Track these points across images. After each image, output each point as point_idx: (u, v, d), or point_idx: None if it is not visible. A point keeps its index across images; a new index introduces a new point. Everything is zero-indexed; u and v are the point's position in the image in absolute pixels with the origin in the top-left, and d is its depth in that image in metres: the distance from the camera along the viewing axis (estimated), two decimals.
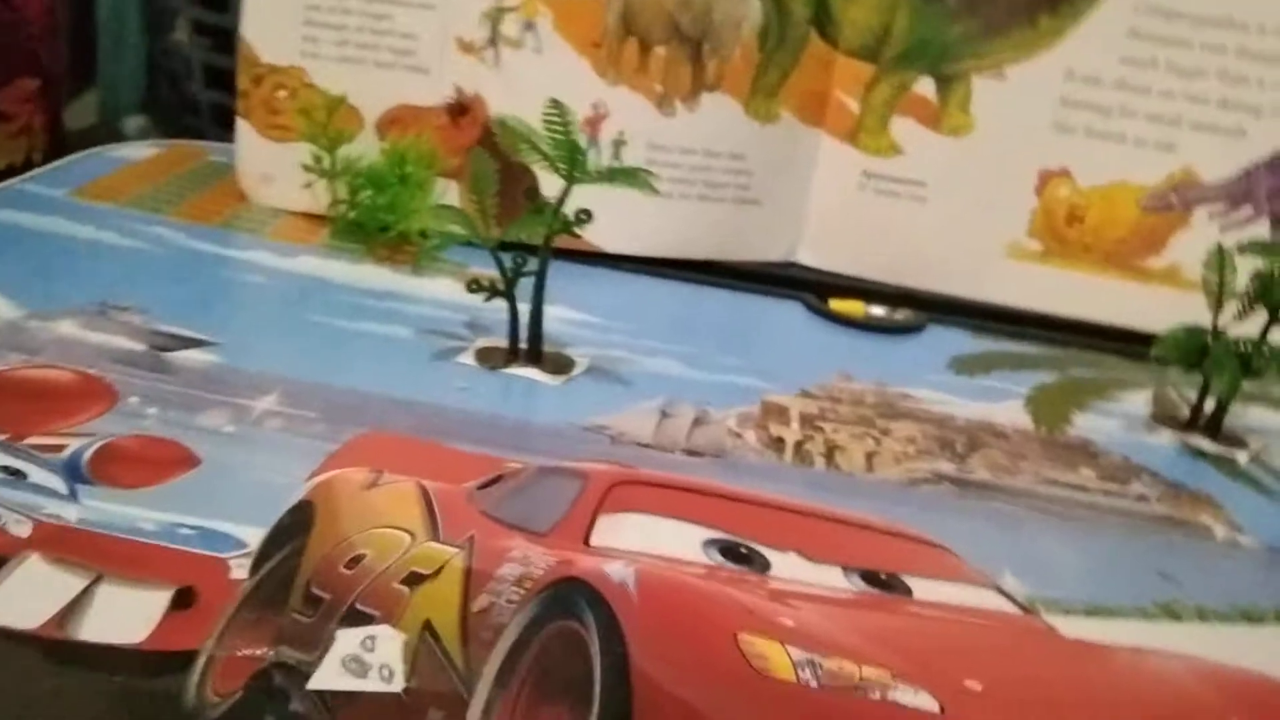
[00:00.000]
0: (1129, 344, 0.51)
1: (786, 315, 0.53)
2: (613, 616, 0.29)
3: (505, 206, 0.42)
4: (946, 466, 0.40)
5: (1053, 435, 0.44)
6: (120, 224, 0.49)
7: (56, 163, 0.56)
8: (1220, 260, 0.43)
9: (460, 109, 0.52)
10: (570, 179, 0.39)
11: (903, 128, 0.55)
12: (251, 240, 0.50)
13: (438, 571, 0.30)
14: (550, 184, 0.41)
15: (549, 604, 0.29)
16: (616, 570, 0.31)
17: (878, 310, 0.54)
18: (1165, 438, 0.45)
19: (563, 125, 0.38)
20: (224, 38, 0.79)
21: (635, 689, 0.27)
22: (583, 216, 0.40)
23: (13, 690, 0.24)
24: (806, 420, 0.42)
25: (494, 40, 0.52)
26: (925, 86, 0.54)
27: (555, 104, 0.39)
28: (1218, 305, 0.43)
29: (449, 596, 0.29)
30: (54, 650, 0.25)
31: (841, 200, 0.56)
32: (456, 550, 0.31)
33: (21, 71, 1.04)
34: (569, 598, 0.29)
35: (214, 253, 0.49)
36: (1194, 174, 0.54)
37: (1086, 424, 0.45)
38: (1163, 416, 0.46)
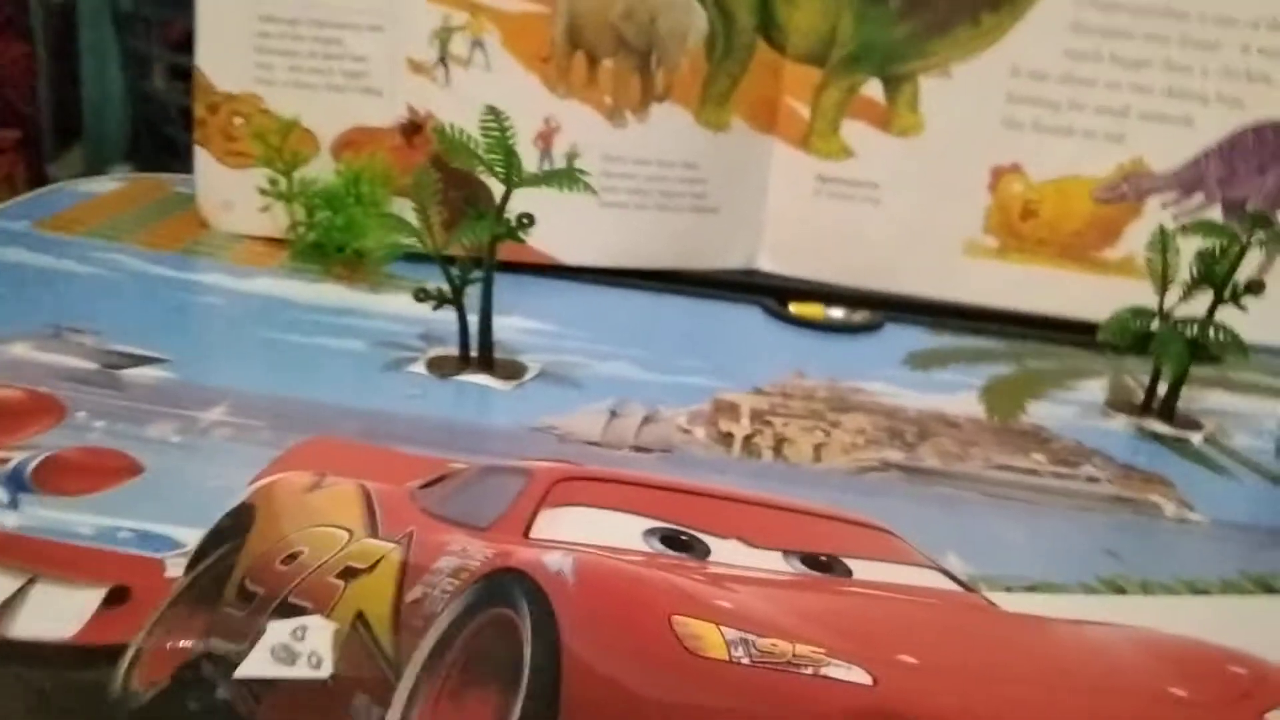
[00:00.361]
0: (1087, 335, 0.51)
1: (745, 319, 0.53)
2: (547, 603, 0.29)
3: (454, 218, 0.43)
4: (895, 455, 0.40)
5: (1005, 424, 0.44)
6: (80, 253, 0.50)
7: (20, 198, 0.57)
8: (1163, 241, 0.43)
9: (413, 128, 0.53)
10: (508, 183, 0.39)
11: (854, 130, 0.56)
12: (211, 264, 0.51)
13: (373, 566, 0.30)
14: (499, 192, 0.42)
15: (483, 593, 0.29)
16: (554, 560, 0.31)
17: (836, 313, 0.54)
18: (1120, 423, 0.45)
19: (499, 131, 0.39)
20: None
21: (565, 670, 0.27)
22: (525, 220, 0.40)
23: None
24: (757, 416, 0.42)
25: (444, 59, 0.52)
26: (874, 89, 0.55)
27: (492, 111, 0.39)
28: (1163, 287, 0.43)
29: (383, 589, 0.29)
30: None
31: (797, 205, 0.56)
32: (394, 545, 0.31)
33: (1, 123, 1.05)
34: (504, 587, 0.30)
35: (172, 277, 0.49)
36: (1144, 164, 0.54)
37: (1040, 412, 0.45)
38: (1118, 403, 0.47)
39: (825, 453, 0.40)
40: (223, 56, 0.53)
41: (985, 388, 0.47)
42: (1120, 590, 0.33)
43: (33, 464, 0.33)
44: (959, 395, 0.46)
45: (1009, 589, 0.33)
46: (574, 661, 0.27)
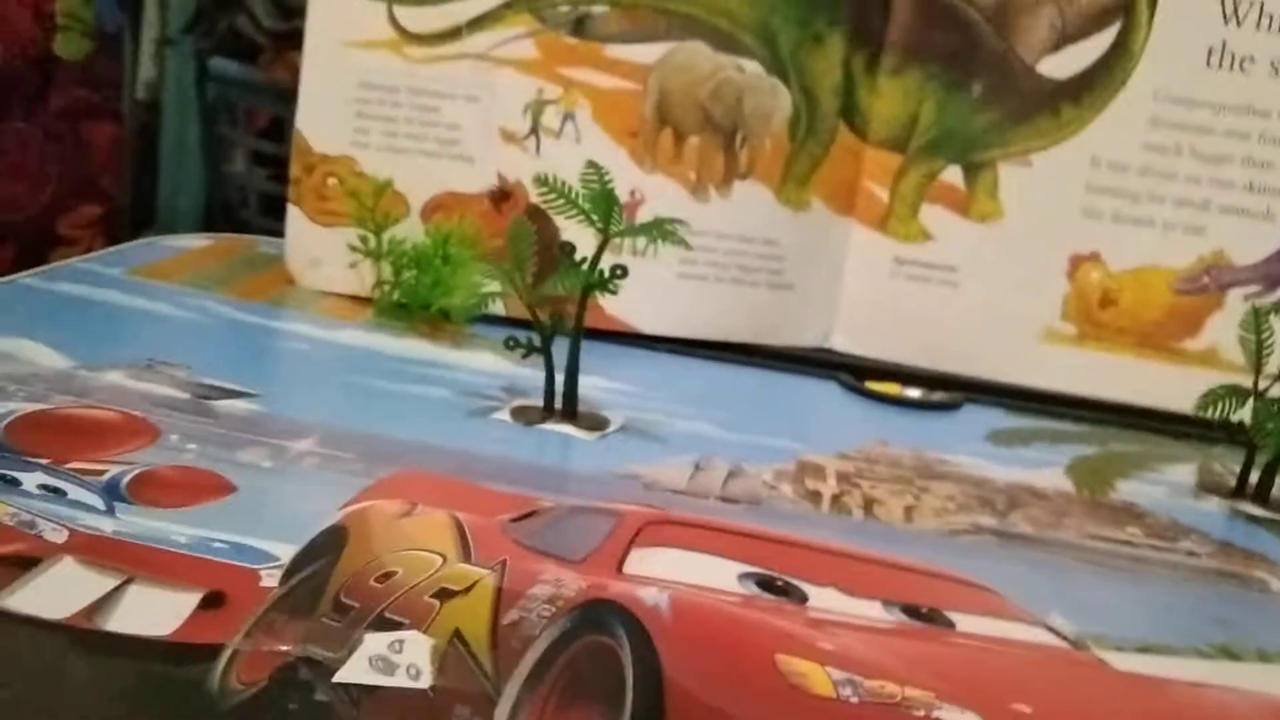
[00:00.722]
0: (1170, 424, 0.51)
1: (822, 392, 0.53)
2: (645, 633, 0.28)
3: (542, 272, 0.43)
4: (987, 520, 0.39)
5: (1096, 499, 0.43)
6: (171, 298, 0.51)
7: (112, 248, 0.58)
8: (1256, 320, 0.43)
9: (502, 195, 0.54)
10: (605, 232, 0.40)
11: (932, 214, 0.56)
12: (297, 315, 0.52)
13: (469, 588, 0.30)
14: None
15: (581, 620, 0.29)
16: (650, 594, 0.30)
17: (914, 392, 0.54)
18: (1213, 504, 0.44)
19: (599, 181, 0.39)
20: (281, 167, 0.84)
21: (668, 697, 0.26)
22: (618, 272, 0.41)
23: (46, 675, 0.24)
24: (843, 477, 0.42)
25: (535, 130, 0.54)
26: (953, 174, 0.56)
27: (592, 164, 0.40)
28: (1257, 366, 0.43)
29: (479, 610, 0.29)
30: (83, 639, 0.25)
31: (873, 286, 0.57)
32: (488, 571, 0.31)
33: (85, 198, 1.09)
34: (601, 615, 0.29)
35: (260, 324, 0.50)
36: (1225, 256, 0.54)
37: (1130, 490, 0.44)
38: (1209, 486, 0.45)
39: (916, 515, 0.39)
40: (322, 119, 0.55)
41: (1071, 465, 0.46)
42: (1235, 657, 0.32)
43: (128, 477, 0.33)
44: (1045, 470, 0.45)
45: (1119, 649, 0.31)
46: (676, 689, 0.26)
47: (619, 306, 0.54)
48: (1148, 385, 0.54)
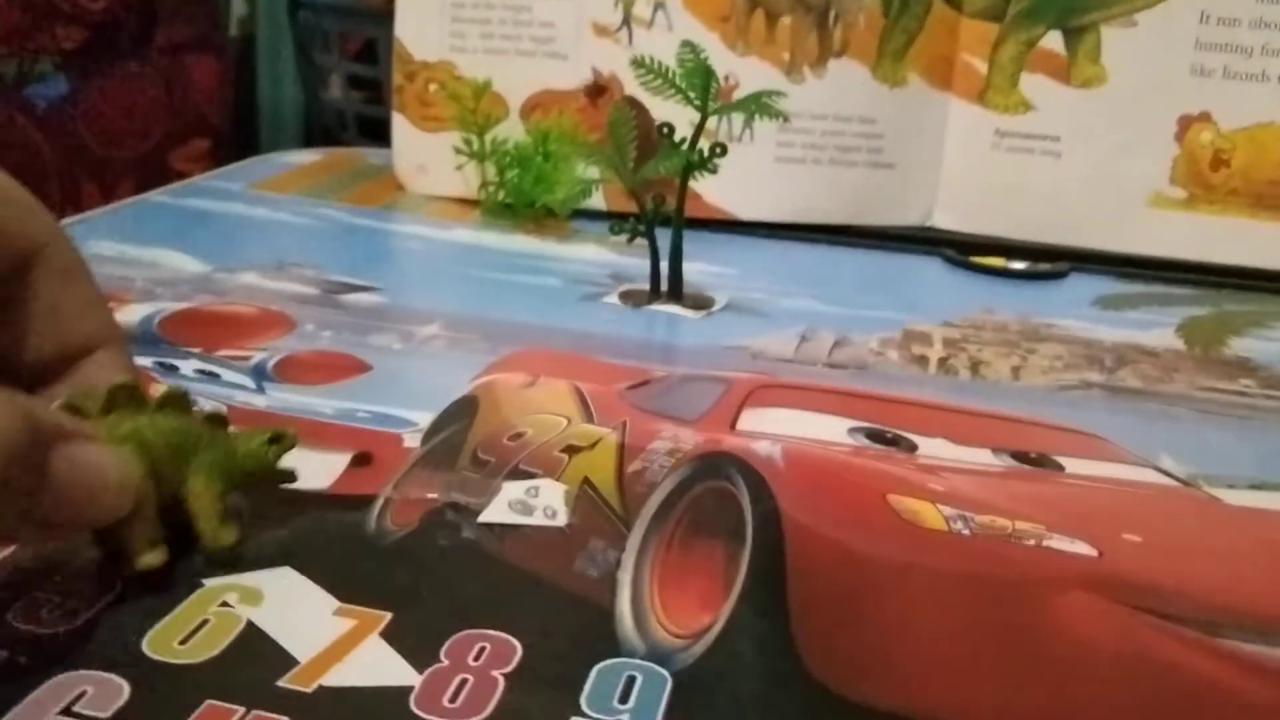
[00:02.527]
0: None
1: (925, 267, 0.53)
2: (761, 480, 0.30)
3: (641, 163, 0.44)
4: (1095, 376, 0.40)
5: (1207, 354, 0.43)
6: (290, 207, 0.54)
7: (230, 166, 0.61)
8: None
9: (598, 90, 0.55)
10: (704, 109, 0.41)
11: (1033, 84, 0.55)
12: (410, 218, 0.54)
13: (594, 445, 0.32)
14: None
15: (700, 469, 0.30)
16: (763, 446, 0.32)
17: (1019, 264, 0.54)
18: None
19: (695, 58, 0.40)
20: (376, 90, 0.85)
21: (786, 530, 0.27)
22: (718, 151, 0.42)
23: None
24: (949, 343, 0.42)
25: (627, 21, 0.54)
26: (1053, 40, 0.54)
27: (688, 43, 0.41)
28: None
29: (605, 462, 0.31)
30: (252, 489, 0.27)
31: (975, 160, 0.56)
32: (610, 430, 0.32)
33: (194, 133, 1.13)
34: (719, 464, 0.31)
35: (377, 227, 0.53)
36: None
37: (1243, 345, 0.44)
38: None
39: (1023, 373, 0.40)
40: (420, 27, 0.56)
41: (1182, 325, 0.46)
42: None
43: (273, 360, 0.36)
44: (1154, 331, 0.45)
45: (1231, 486, 0.32)
46: (794, 525, 0.28)
47: (717, 194, 0.55)
48: (1263, 246, 0.53)
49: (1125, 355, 0.42)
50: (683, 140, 0.42)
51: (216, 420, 0.25)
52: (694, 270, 0.46)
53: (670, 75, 0.40)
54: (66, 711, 0.20)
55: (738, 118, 0.54)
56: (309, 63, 0.93)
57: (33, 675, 0.21)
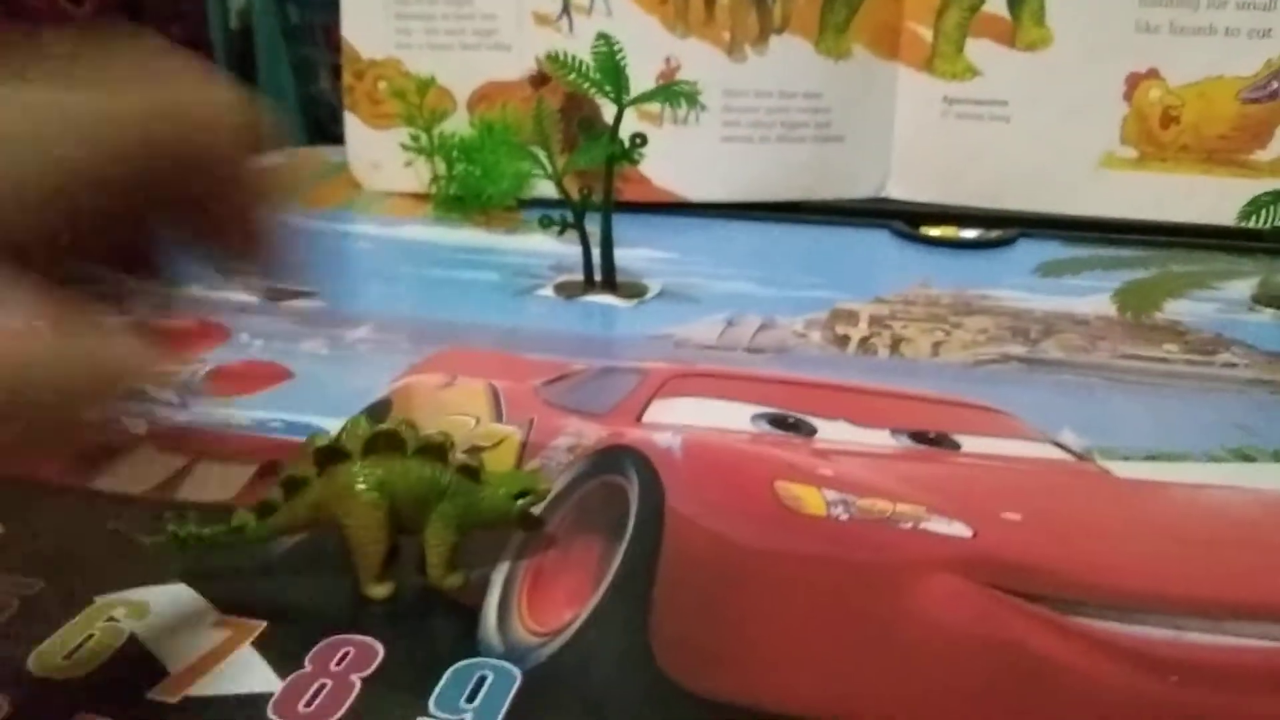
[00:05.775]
0: (1237, 240, 0.49)
1: (872, 241, 0.53)
2: (654, 472, 0.30)
3: (574, 149, 0.45)
4: (1016, 349, 0.40)
5: (1139, 320, 0.43)
6: None
7: None
8: None
9: (542, 79, 0.56)
10: (618, 102, 0.41)
11: (978, 49, 0.55)
12: (362, 217, 0.55)
13: (498, 444, 0.32)
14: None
15: (596, 463, 0.31)
16: (663, 437, 0.32)
17: (970, 233, 0.54)
18: (1267, 315, 0.43)
19: (608, 52, 0.40)
20: None
21: (668, 524, 0.28)
22: (638, 140, 0.42)
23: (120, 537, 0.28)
24: (876, 320, 0.43)
25: (567, 10, 0.55)
26: (997, 4, 0.54)
27: (602, 36, 0.41)
28: None
29: (505, 460, 0.31)
30: (160, 508, 0.29)
31: (925, 129, 0.56)
32: (515, 428, 0.33)
33: None
34: (615, 459, 0.31)
35: (329, 229, 0.54)
36: None
37: (1178, 309, 0.44)
38: (1265, 297, 0.44)
39: (943, 350, 0.40)
40: (366, 26, 0.57)
41: (1119, 289, 0.46)
42: (1249, 459, 0.32)
43: (200, 373, 0.37)
44: (1091, 298, 0.45)
45: (1126, 458, 0.32)
46: (677, 518, 0.28)
47: (666, 177, 0.55)
48: (1215, 202, 0.52)
49: (1054, 325, 0.42)
50: (603, 132, 0.42)
51: (468, 471, 0.26)
52: (635, 256, 0.47)
53: (584, 69, 0.41)
54: None
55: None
56: (297, 58, 0.94)
57: None
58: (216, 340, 0.40)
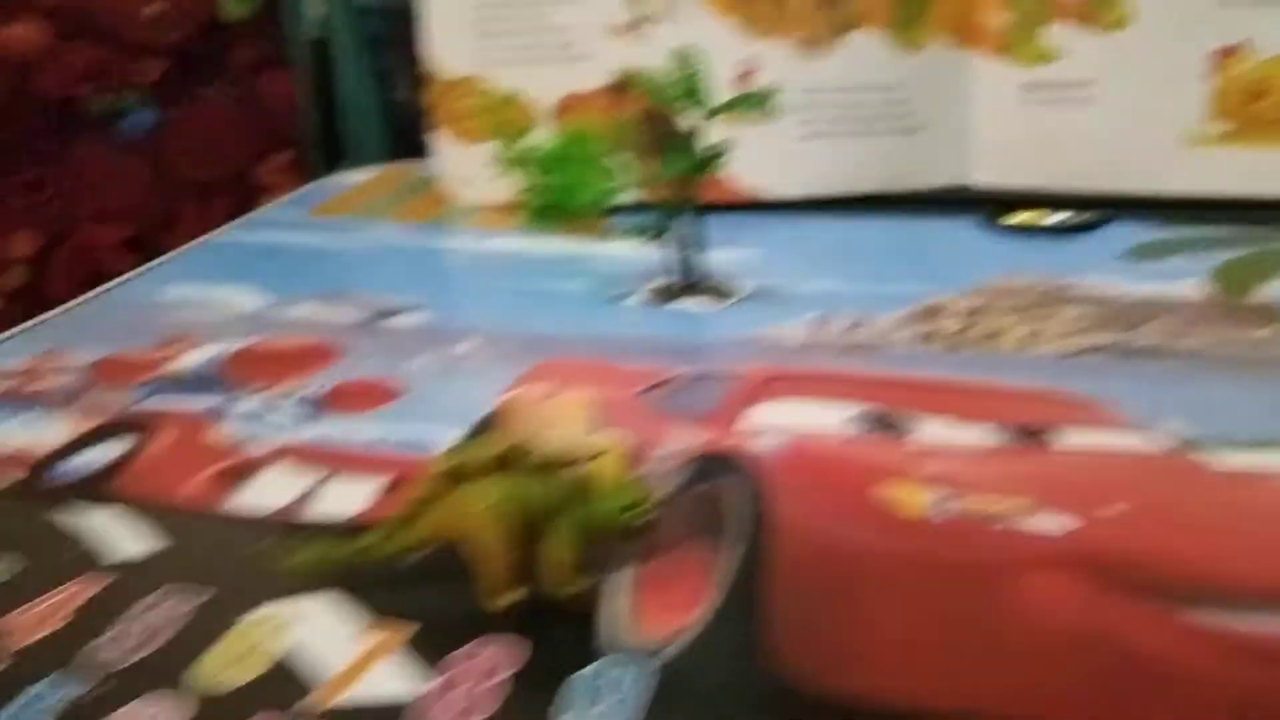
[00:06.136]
0: None
1: (957, 231, 0.53)
2: (754, 478, 0.31)
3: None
4: (1111, 337, 0.40)
5: (1234, 302, 0.42)
6: (347, 230, 0.57)
7: (296, 191, 0.65)
8: None
9: (622, 88, 0.57)
10: (700, 115, 0.42)
11: (1057, 32, 0.54)
12: (456, 230, 0.57)
13: (602, 455, 0.34)
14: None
15: (696, 471, 0.32)
16: (762, 442, 0.33)
17: (1051, 218, 0.53)
18: None
19: (685, 67, 0.41)
20: None
21: (772, 530, 0.29)
22: (719, 149, 0.43)
23: (258, 559, 0.30)
24: (968, 314, 0.43)
25: (642, 19, 0.56)
26: None
27: (679, 49, 0.42)
28: None
29: (610, 471, 0.33)
30: (294, 528, 0.31)
31: (1004, 115, 0.56)
32: (620, 438, 0.35)
33: (276, 147, 1.19)
34: (715, 466, 0.33)
35: (424, 244, 0.56)
36: None
37: (1273, 291, 0.43)
38: None
39: (1037, 341, 0.40)
40: (449, 46, 0.59)
41: (1215, 270, 0.45)
42: None
43: (316, 394, 0.39)
44: (1183, 281, 0.45)
45: (1232, 446, 0.32)
46: (779, 522, 0.29)
47: (746, 176, 0.56)
48: None
49: (1148, 311, 0.42)
50: (687, 141, 0.43)
51: (581, 486, 0.28)
52: (721, 258, 0.48)
53: (662, 85, 0.42)
54: None
55: None
56: (378, 69, 0.97)
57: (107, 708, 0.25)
58: (328, 360, 0.42)
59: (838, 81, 0.55)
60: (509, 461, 0.27)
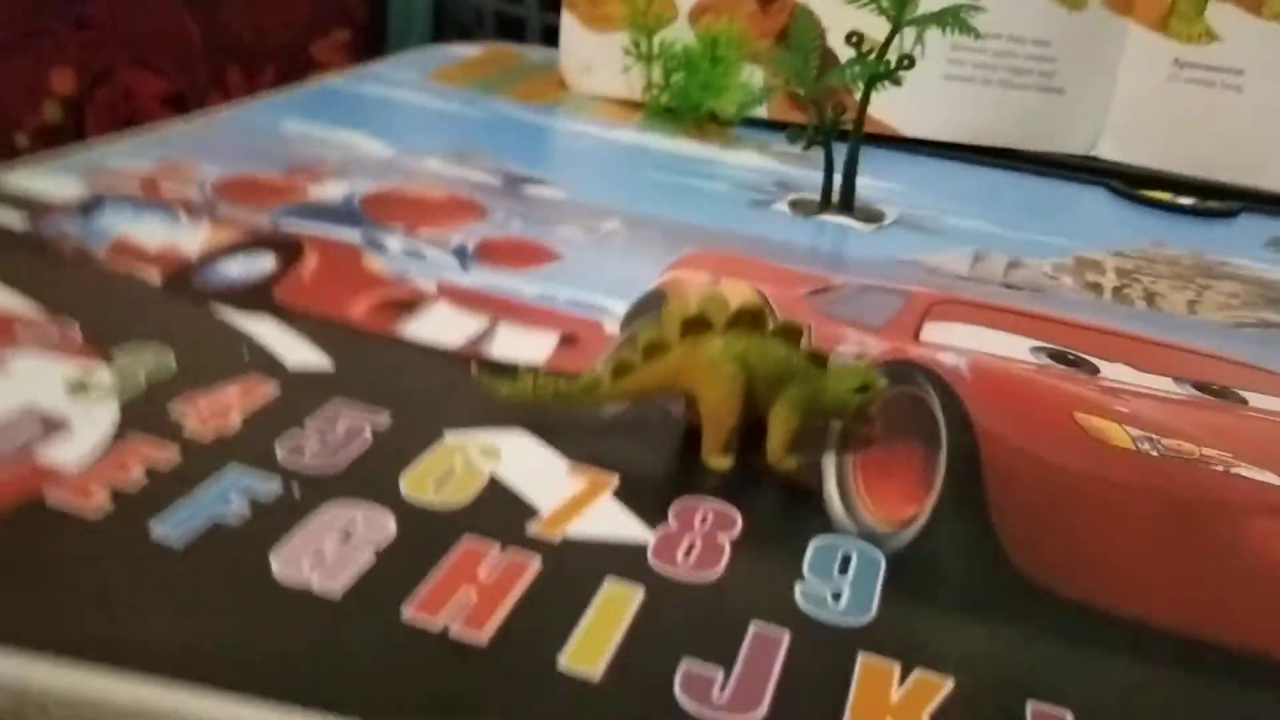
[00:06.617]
0: None
1: (1092, 197, 0.52)
2: (949, 388, 0.30)
3: (822, 67, 0.44)
4: (1274, 315, 0.39)
5: None
6: (462, 98, 0.55)
7: (403, 54, 0.63)
8: None
9: None
10: (897, 20, 0.40)
11: (1220, 13, 0.53)
12: (576, 116, 0.55)
13: None
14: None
15: (889, 374, 0.31)
16: (949, 358, 0.32)
17: (1186, 200, 0.53)
18: None
19: None
20: None
21: (980, 438, 0.28)
22: (905, 63, 0.42)
23: (440, 390, 0.29)
24: (1123, 273, 0.42)
25: None
26: None
27: None
28: None
29: None
30: (470, 361, 0.29)
31: (1149, 90, 0.55)
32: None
33: (336, 23, 1.15)
34: (907, 371, 0.32)
35: (546, 124, 0.54)
36: None
37: None
38: None
39: (1199, 308, 0.40)
40: None
41: None
42: None
43: (471, 243, 0.38)
44: None
45: None
46: (986, 433, 0.28)
47: (883, 109, 0.55)
48: None
49: None
50: (870, 50, 0.42)
51: (817, 358, 0.27)
52: (860, 184, 0.47)
53: None
54: (344, 538, 0.22)
55: (911, 31, 0.54)
56: None
57: (304, 506, 0.23)
58: (473, 215, 0.41)
59: (991, 28, 0.54)
60: (748, 321, 0.26)
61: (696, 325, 0.26)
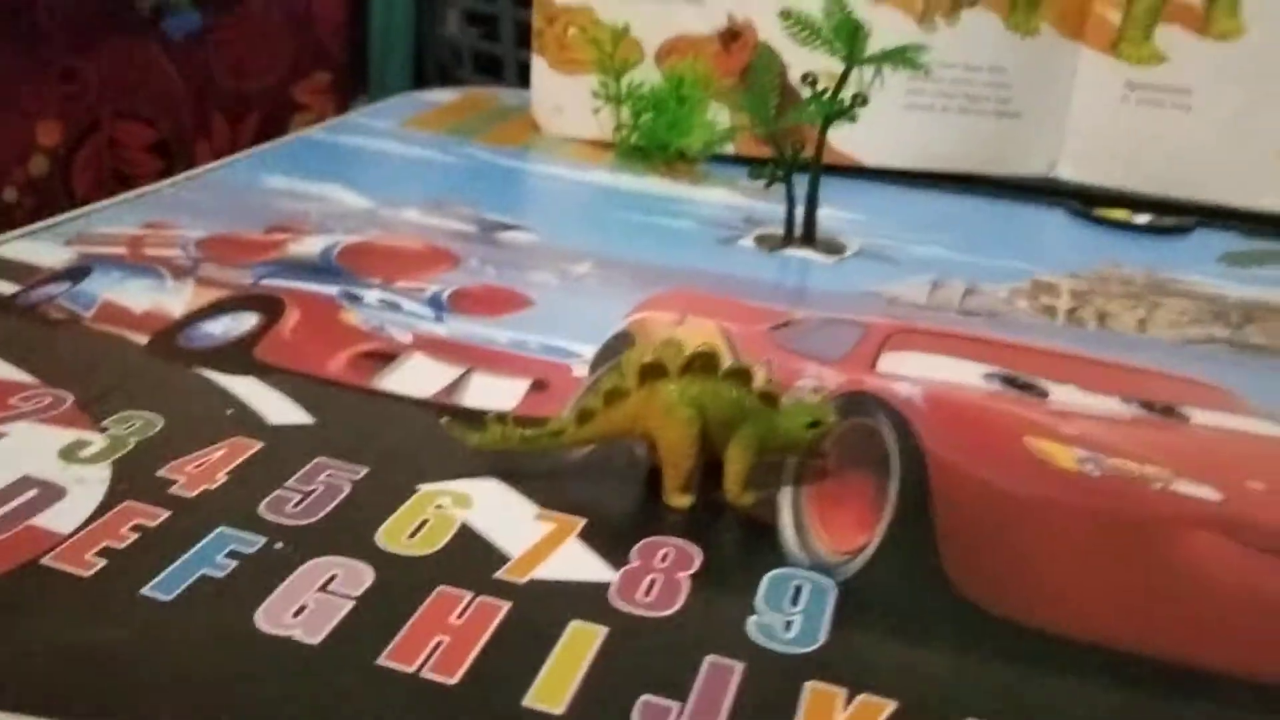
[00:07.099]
0: None
1: (1049, 219, 0.54)
2: (903, 418, 0.32)
3: (782, 106, 0.46)
4: (1221, 331, 0.41)
5: None
6: (438, 146, 0.57)
7: (379, 103, 0.64)
8: None
9: (732, 35, 0.57)
10: (849, 60, 0.42)
11: (1167, 35, 0.55)
12: (548, 159, 0.57)
13: None
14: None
15: (844, 406, 0.33)
16: (903, 388, 0.34)
17: (1143, 218, 0.54)
18: None
19: (842, 12, 0.42)
20: (493, 26, 0.88)
21: (931, 466, 0.30)
22: (859, 100, 0.43)
23: (421, 437, 0.30)
24: (1076, 294, 0.44)
25: None
26: None
27: None
28: None
29: None
30: (443, 411, 0.31)
31: (1103, 112, 0.57)
32: (758, 366, 0.35)
33: (316, 65, 1.17)
34: (862, 403, 0.33)
35: (518, 167, 0.55)
36: None
37: None
38: None
39: (1149, 326, 0.41)
40: None
41: None
42: None
43: (445, 293, 0.39)
44: None
45: None
46: (938, 461, 0.30)
47: (845, 140, 0.56)
48: None
49: (1251, 313, 0.43)
50: (824, 89, 0.43)
51: (768, 398, 0.28)
52: (823, 215, 0.48)
53: (817, 26, 0.42)
54: (323, 589, 0.24)
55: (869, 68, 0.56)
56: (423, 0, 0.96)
57: (289, 561, 0.25)
58: (448, 264, 0.42)
59: (948, 57, 0.56)
60: (701, 366, 0.27)
61: (653, 372, 0.27)
